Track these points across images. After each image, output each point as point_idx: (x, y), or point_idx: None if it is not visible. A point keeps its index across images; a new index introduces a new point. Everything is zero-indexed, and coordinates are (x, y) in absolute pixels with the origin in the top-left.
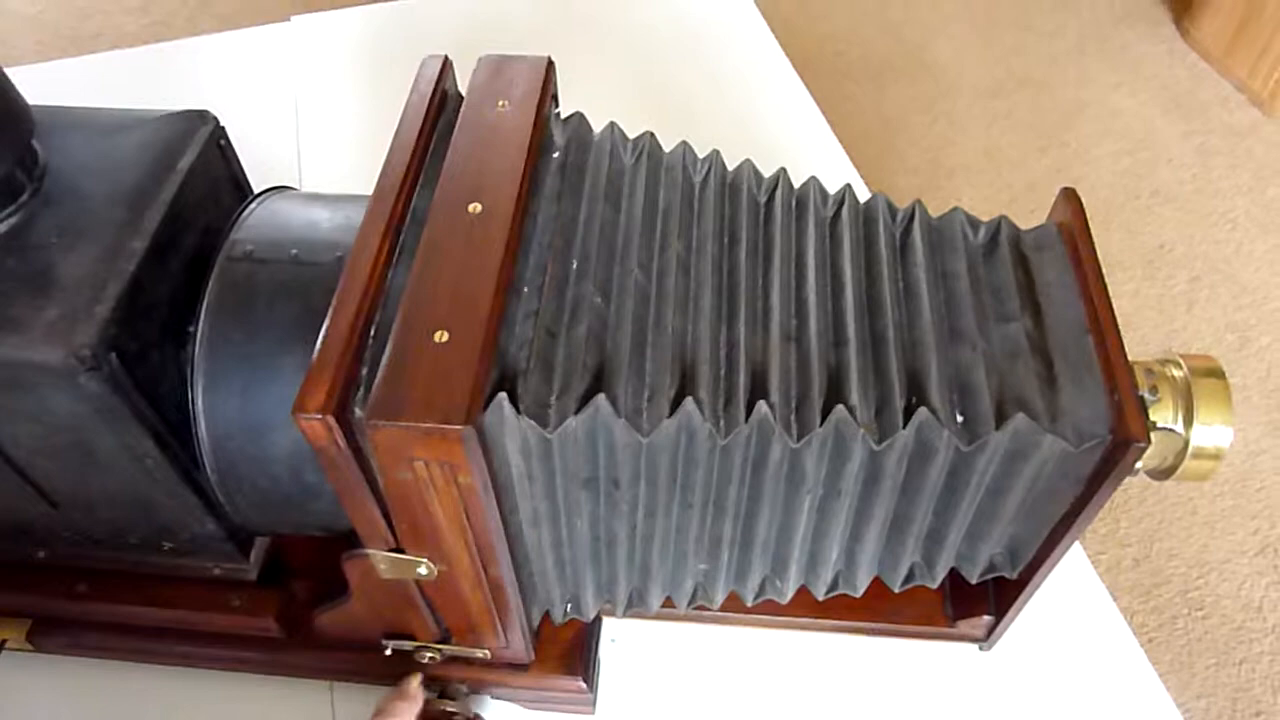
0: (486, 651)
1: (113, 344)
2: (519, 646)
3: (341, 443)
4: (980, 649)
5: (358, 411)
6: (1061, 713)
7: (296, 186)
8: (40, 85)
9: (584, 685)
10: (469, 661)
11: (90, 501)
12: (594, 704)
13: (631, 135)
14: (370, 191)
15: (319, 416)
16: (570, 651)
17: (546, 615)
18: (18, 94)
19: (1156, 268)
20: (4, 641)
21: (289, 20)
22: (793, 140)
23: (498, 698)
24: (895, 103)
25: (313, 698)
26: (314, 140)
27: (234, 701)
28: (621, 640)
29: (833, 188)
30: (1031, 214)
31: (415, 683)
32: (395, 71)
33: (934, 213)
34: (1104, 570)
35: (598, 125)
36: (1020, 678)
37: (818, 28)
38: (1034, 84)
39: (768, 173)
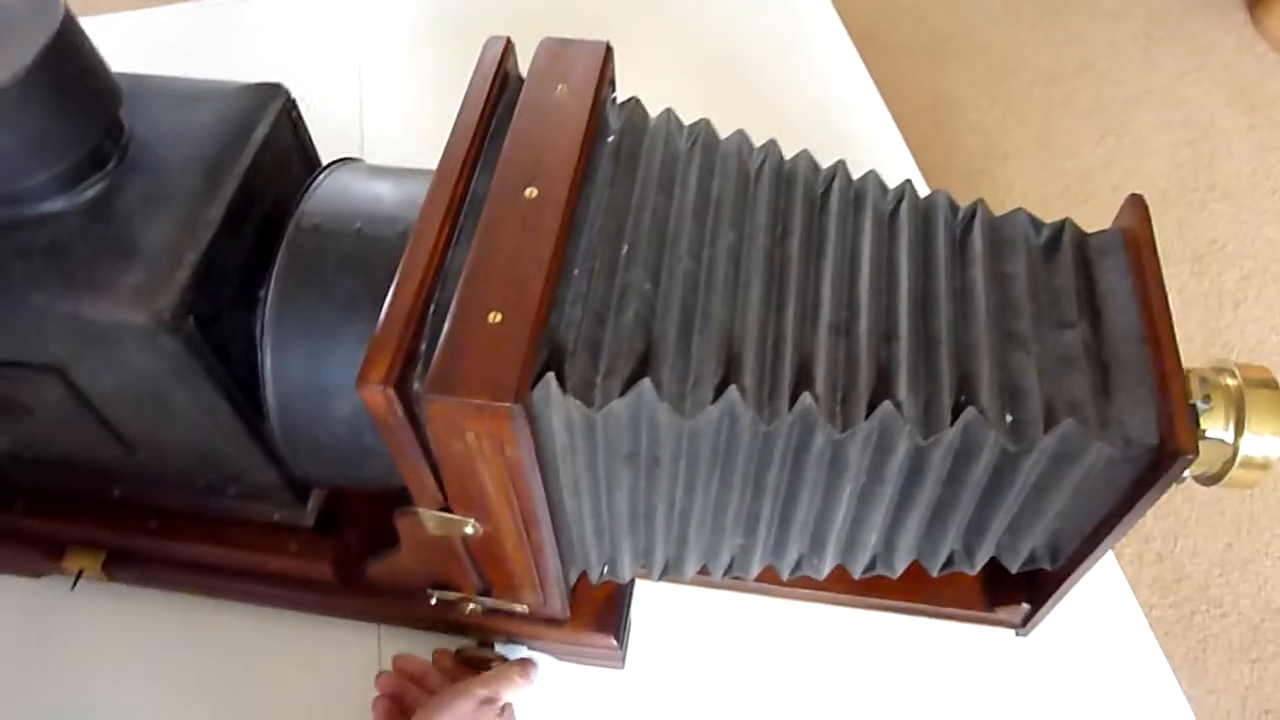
0: (525, 606)
1: (190, 308)
2: (556, 603)
3: (399, 412)
4: (1017, 634)
5: (415, 385)
6: (1075, 697)
7: (358, 151)
8: (111, 38)
9: (615, 643)
10: (508, 615)
11: (162, 447)
12: (623, 660)
13: (690, 118)
14: (430, 163)
15: (380, 388)
16: (604, 610)
17: (583, 575)
18: (107, 70)
19: (1207, 264)
20: (80, 571)
21: None
22: (848, 119)
23: (533, 649)
24: (953, 82)
25: (361, 638)
26: (376, 106)
27: (288, 638)
28: (652, 601)
29: (885, 167)
30: (1084, 205)
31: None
32: (458, 41)
33: (989, 201)
34: (1126, 563)
35: (655, 109)
36: (1038, 662)
37: (879, 3)
38: (1096, 71)
39: (824, 158)
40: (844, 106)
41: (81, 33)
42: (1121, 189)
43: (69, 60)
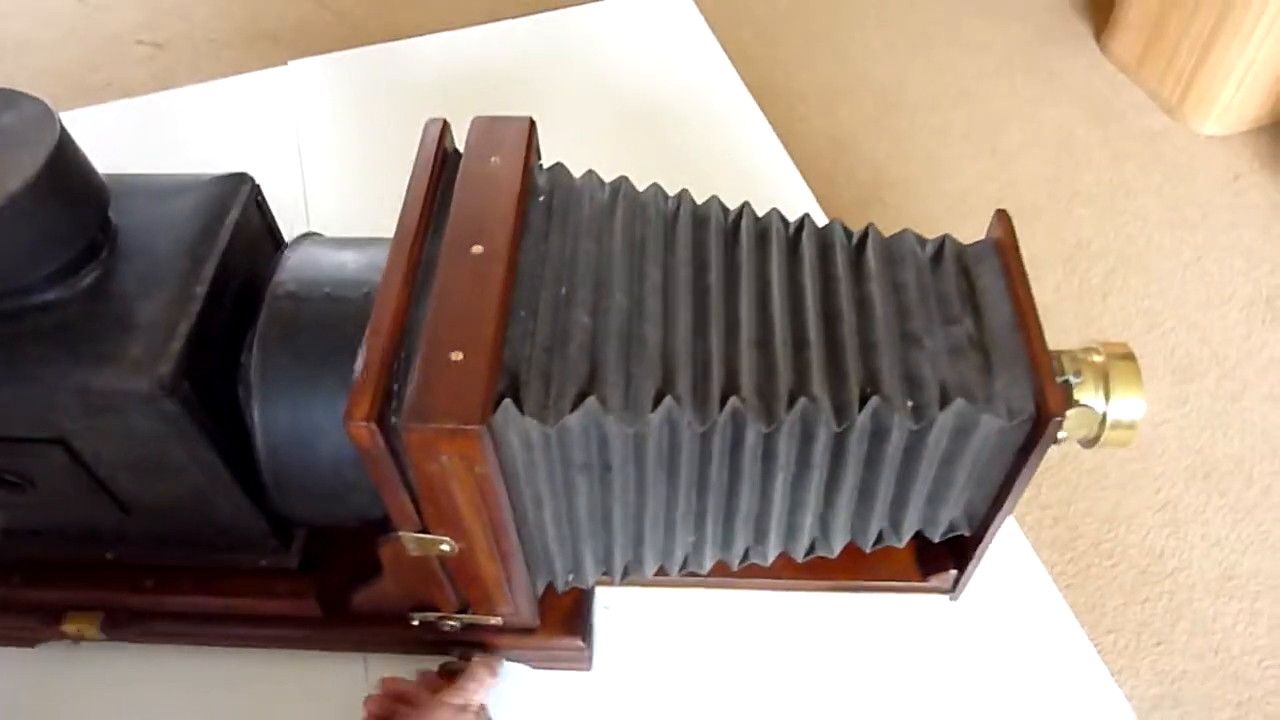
0: (499, 618)
1: (186, 373)
2: (526, 612)
3: (381, 444)
4: (950, 599)
5: (393, 419)
6: (996, 649)
7: (305, 224)
8: None
9: (582, 644)
10: (484, 627)
11: (158, 507)
12: (591, 660)
13: (611, 171)
14: (379, 229)
15: (364, 423)
16: (570, 616)
17: (550, 587)
18: (96, 173)
19: (1076, 262)
20: (80, 632)
21: (287, 65)
22: (751, 163)
23: (509, 659)
24: (843, 121)
25: (350, 668)
26: (318, 178)
27: (281, 675)
28: (614, 606)
29: (788, 203)
30: (965, 218)
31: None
32: (388, 108)
33: (882, 225)
34: (1029, 529)
35: (577, 166)
36: (964, 622)
37: (772, 54)
38: (967, 99)
39: (734, 199)
40: (748, 152)
41: (74, 144)
42: (999, 202)
43: (67, 169)
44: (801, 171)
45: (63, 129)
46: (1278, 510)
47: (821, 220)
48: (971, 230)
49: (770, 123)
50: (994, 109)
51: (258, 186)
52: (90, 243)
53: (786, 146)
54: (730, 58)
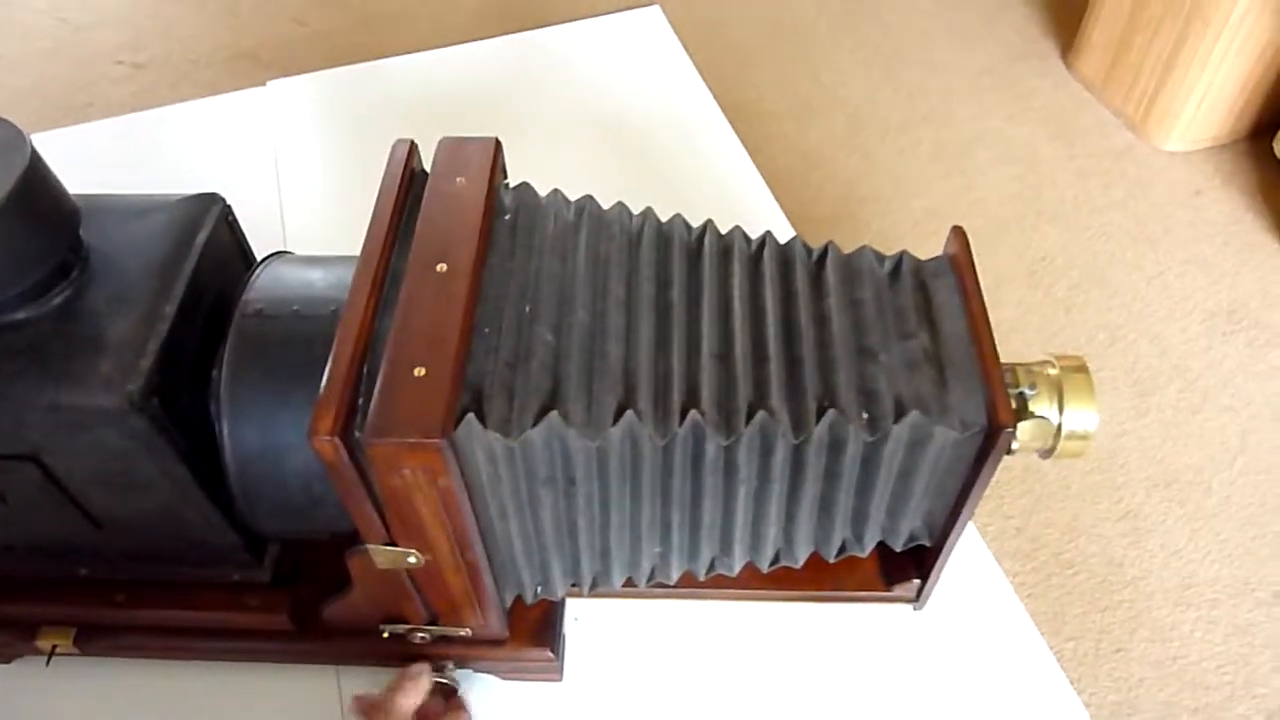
0: (468, 630)
1: (155, 390)
2: (495, 624)
3: (345, 458)
4: (914, 609)
5: (357, 434)
6: (959, 657)
7: (281, 243)
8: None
9: (552, 655)
10: (453, 639)
11: (129, 522)
12: (561, 671)
13: (583, 187)
14: (351, 248)
15: (329, 438)
16: (539, 627)
17: (519, 598)
18: (67, 194)
19: (1040, 277)
20: (55, 647)
21: (265, 85)
22: (724, 180)
23: (479, 670)
24: (814, 140)
25: (322, 681)
26: (294, 197)
27: (254, 689)
28: (583, 617)
29: (758, 219)
30: (932, 234)
31: (421, 665)
32: (366, 128)
33: (846, 242)
34: (991, 539)
35: (544, 185)
36: (927, 631)
37: (745, 74)
38: (936, 118)
39: (700, 216)
40: (720, 169)
41: (45, 165)
42: (965, 219)
43: (38, 190)
44: (773, 188)
45: (34, 151)
46: (1236, 520)
47: (788, 236)
48: (940, 246)
49: (742, 140)
50: (962, 127)
51: (228, 206)
52: (61, 262)
53: (758, 164)
54: (704, 77)
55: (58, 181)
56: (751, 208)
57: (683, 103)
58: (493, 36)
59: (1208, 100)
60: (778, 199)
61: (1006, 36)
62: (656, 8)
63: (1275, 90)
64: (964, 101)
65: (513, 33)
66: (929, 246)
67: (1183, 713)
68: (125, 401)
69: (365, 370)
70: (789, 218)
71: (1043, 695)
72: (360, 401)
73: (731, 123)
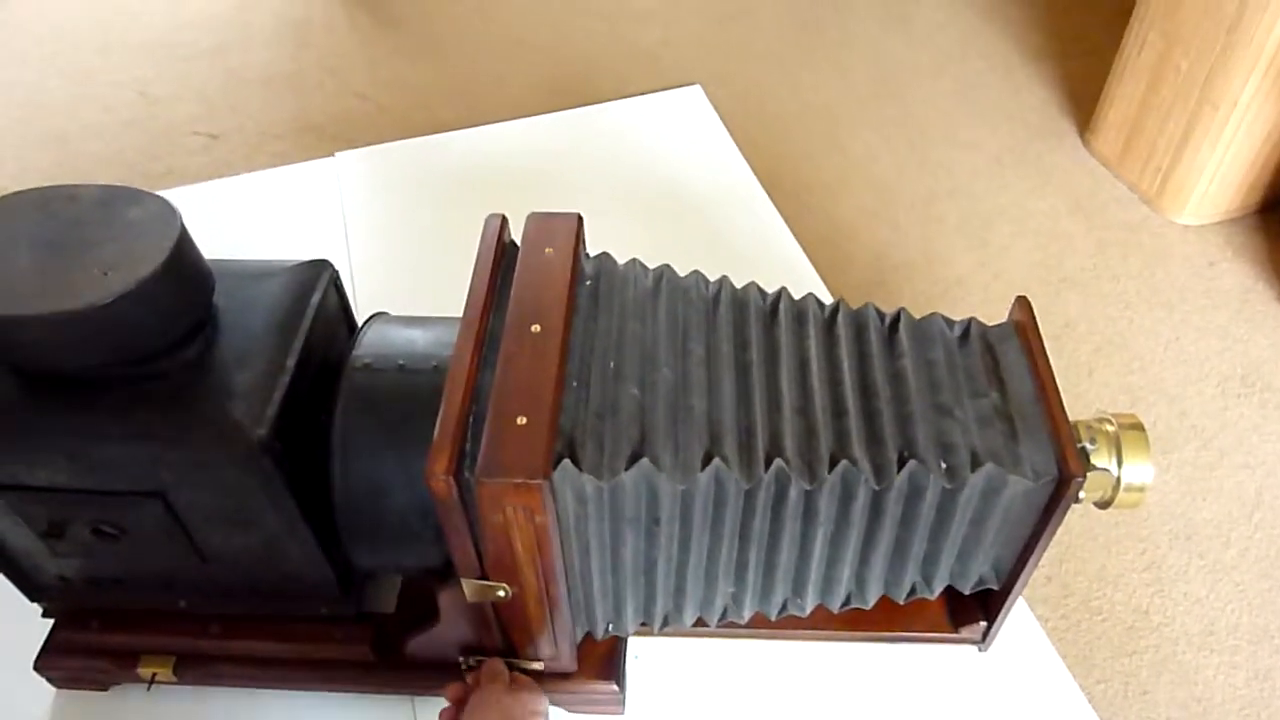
0: (541, 663)
1: (279, 435)
2: (566, 656)
3: (456, 495)
4: (979, 650)
5: (467, 474)
6: (994, 697)
7: (352, 301)
8: None
9: (617, 688)
10: (527, 671)
11: (234, 557)
12: (623, 704)
13: (628, 252)
14: (422, 308)
15: (444, 477)
16: (605, 661)
17: (588, 635)
18: (205, 261)
19: (1063, 342)
20: (155, 675)
21: (334, 156)
22: (763, 249)
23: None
24: (846, 211)
25: (398, 709)
26: (362, 261)
27: (334, 715)
28: (643, 656)
29: (796, 285)
30: (959, 300)
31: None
32: (427, 197)
33: (884, 307)
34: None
35: (601, 250)
36: (962, 672)
37: (779, 148)
38: (961, 193)
39: (740, 284)
40: (759, 238)
41: (190, 236)
42: (990, 288)
43: (184, 258)
44: (809, 256)
45: (183, 225)
46: (1254, 571)
47: (828, 302)
48: (966, 312)
49: (779, 211)
50: (985, 202)
51: (336, 272)
52: (197, 320)
53: (794, 233)
54: (742, 152)
55: (198, 249)
56: (790, 274)
57: (723, 175)
58: (544, 113)
59: (1219, 177)
60: (814, 265)
61: (1026, 116)
62: (698, 87)
63: None
64: (987, 177)
65: (563, 109)
66: (959, 311)
67: None
68: (255, 444)
69: (472, 419)
70: (825, 283)
71: None
72: (468, 446)
73: (769, 194)
